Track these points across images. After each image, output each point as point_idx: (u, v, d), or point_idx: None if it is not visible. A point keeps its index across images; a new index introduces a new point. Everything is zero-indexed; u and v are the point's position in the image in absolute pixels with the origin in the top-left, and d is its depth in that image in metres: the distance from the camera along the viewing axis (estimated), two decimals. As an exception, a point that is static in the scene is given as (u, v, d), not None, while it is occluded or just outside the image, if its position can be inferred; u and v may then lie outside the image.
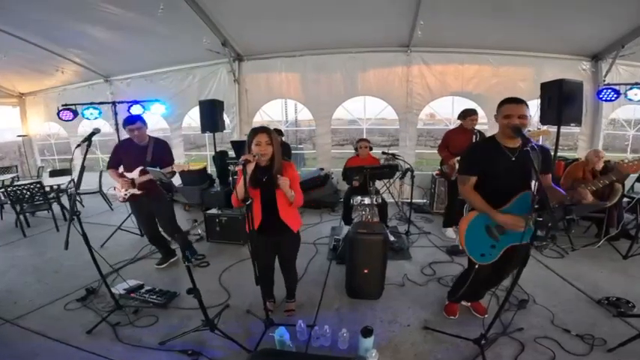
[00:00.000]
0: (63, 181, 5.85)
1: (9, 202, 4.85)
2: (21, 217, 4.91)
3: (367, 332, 2.13)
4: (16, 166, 7.32)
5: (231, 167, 5.16)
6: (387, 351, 2.27)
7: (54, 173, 6.35)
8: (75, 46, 5.60)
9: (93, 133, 2.45)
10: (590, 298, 2.86)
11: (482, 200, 2.11)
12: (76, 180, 2.48)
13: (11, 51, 5.46)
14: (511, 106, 2.02)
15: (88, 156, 2.47)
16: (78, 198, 6.13)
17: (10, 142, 9.34)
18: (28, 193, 4.82)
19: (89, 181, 6.48)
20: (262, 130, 2.20)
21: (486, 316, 2.54)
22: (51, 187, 5.53)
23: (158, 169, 2.93)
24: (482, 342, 2.17)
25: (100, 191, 6.00)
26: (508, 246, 2.14)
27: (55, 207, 5.30)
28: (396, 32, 5.09)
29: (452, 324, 2.55)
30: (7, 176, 6.56)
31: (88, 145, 2.45)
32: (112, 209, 6.03)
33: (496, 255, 2.17)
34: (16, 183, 5.45)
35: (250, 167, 2.09)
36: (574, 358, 2.18)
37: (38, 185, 4.86)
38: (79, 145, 2.43)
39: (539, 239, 1.85)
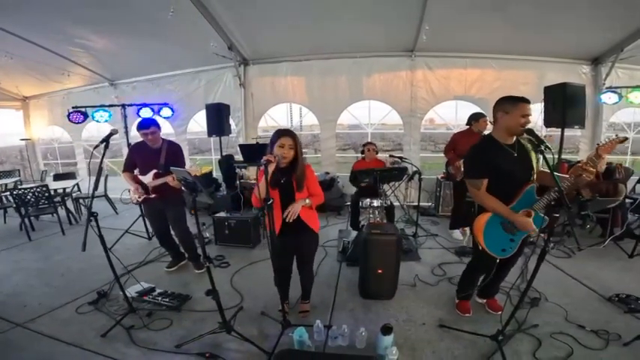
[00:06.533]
0: (67, 184, 5.82)
1: (14, 205, 4.82)
2: (26, 220, 4.89)
3: (387, 330, 2.14)
4: (19, 170, 7.27)
5: (238, 171, 5.17)
6: (404, 349, 2.27)
7: (58, 177, 6.33)
8: (82, 49, 5.61)
9: (110, 135, 2.43)
10: (601, 296, 2.89)
11: (498, 202, 2.13)
12: (85, 183, 2.46)
13: (19, 53, 5.46)
14: (528, 105, 2.05)
15: (94, 160, 2.46)
16: (83, 202, 6.15)
17: (11, 147, 9.28)
18: (34, 196, 4.79)
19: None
20: (287, 133, 2.22)
21: (501, 312, 2.55)
22: (55, 190, 5.51)
23: (184, 169, 2.91)
24: (500, 338, 2.18)
25: (106, 195, 5.97)
26: (524, 236, 2.21)
27: (61, 211, 5.27)
28: (400, 37, 5.17)
29: (467, 322, 2.57)
30: (10, 180, 6.52)
31: (106, 147, 2.44)
32: (117, 213, 6.01)
33: (515, 246, 2.24)
34: (20, 187, 5.41)
35: (271, 167, 2.12)
36: (591, 352, 2.21)
37: (44, 189, 4.83)
38: (96, 147, 2.42)
39: (554, 234, 1.90)
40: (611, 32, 4.74)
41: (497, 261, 2.28)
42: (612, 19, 4.38)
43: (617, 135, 2.11)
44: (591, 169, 1.95)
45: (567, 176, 2.02)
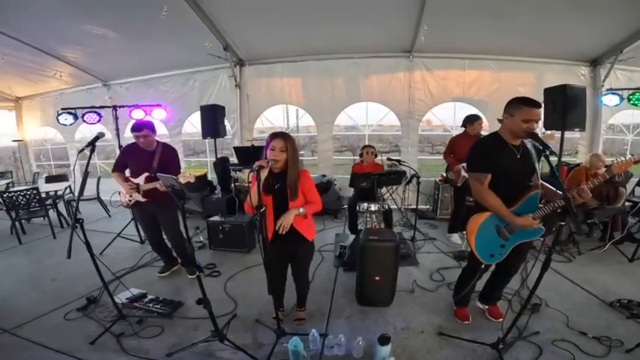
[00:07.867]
0: (60, 187, 5.71)
1: (4, 208, 4.72)
2: (16, 223, 4.79)
3: (384, 340, 2.07)
4: (11, 172, 7.16)
5: (233, 174, 5.08)
6: (402, 358, 2.21)
7: (50, 179, 6.21)
8: (74, 50, 5.53)
9: (97, 138, 2.36)
10: (602, 301, 2.84)
11: (499, 201, 2.06)
12: (77, 186, 2.39)
13: (9, 53, 5.36)
14: (533, 110, 1.96)
15: (81, 162, 2.39)
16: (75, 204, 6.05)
17: (4, 148, 9.16)
18: (24, 199, 4.69)
19: (88, 188, 6.37)
20: (279, 135, 2.14)
21: (502, 320, 2.49)
22: (47, 193, 5.40)
23: (170, 175, 2.84)
24: (500, 346, 2.13)
25: (98, 198, 5.87)
26: (516, 244, 2.14)
27: (52, 214, 5.18)
28: (398, 37, 5.12)
29: (466, 329, 2.51)
30: (2, 182, 6.41)
31: (92, 150, 2.36)
32: (110, 216, 5.91)
33: (504, 254, 2.17)
34: (11, 189, 5.31)
35: (264, 173, 2.04)
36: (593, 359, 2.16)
37: (35, 191, 4.73)
38: (82, 150, 2.35)
39: (560, 243, 1.85)
40: (610, 33, 4.71)
41: (482, 266, 2.21)
42: (611, 20, 4.35)
43: (632, 155, 2.08)
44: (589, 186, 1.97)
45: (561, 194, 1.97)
